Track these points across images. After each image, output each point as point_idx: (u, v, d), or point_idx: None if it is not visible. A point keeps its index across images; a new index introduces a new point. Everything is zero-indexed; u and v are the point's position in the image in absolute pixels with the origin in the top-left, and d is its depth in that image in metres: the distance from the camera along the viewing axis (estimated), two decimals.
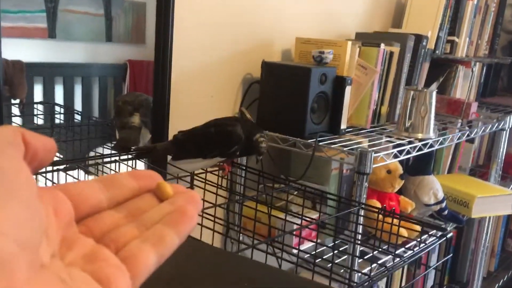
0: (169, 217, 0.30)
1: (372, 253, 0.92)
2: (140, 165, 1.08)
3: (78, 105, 1.13)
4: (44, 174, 0.93)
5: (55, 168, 0.94)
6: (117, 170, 1.01)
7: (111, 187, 0.31)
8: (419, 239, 0.93)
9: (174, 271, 0.57)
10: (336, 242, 1.00)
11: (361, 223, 1.01)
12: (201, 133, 0.98)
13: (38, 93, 1.06)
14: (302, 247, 1.12)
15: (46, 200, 0.26)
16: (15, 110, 1.04)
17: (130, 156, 1.05)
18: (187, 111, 1.28)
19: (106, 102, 1.18)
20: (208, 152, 0.96)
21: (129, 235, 0.29)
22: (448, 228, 1.71)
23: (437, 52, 1.79)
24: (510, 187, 2.01)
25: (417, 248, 0.86)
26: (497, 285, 2.27)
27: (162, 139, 1.16)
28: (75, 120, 1.14)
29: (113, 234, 0.29)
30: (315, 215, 1.21)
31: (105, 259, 0.27)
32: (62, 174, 0.96)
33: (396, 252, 0.85)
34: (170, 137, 1.13)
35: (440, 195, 1.63)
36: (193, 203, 0.31)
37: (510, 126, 1.84)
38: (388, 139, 1.36)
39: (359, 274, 1.00)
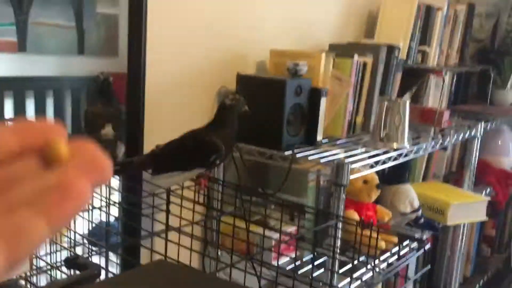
0: (43, 198, 0.22)
1: (352, 263, 0.92)
2: (115, 182, 1.06)
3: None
4: None
5: None
6: None
7: None
8: (397, 251, 0.93)
9: None
10: (316, 254, 0.99)
11: (340, 236, 1.01)
12: (179, 145, 0.97)
13: (8, 108, 1.03)
14: (281, 261, 1.11)
15: None
16: None
17: None
18: (162, 124, 1.26)
19: (79, 115, 1.15)
20: (187, 163, 0.95)
21: None
22: (424, 236, 1.72)
23: (409, 61, 1.82)
24: (483, 193, 2.05)
25: (395, 257, 0.86)
26: None
27: (137, 153, 1.14)
28: None
29: None
30: (293, 227, 1.20)
31: None
32: None
33: (375, 264, 0.84)
34: (145, 152, 1.11)
35: (416, 203, 1.65)
36: (92, 172, 0.23)
37: (482, 134, 1.87)
38: (364, 149, 1.37)
39: None
